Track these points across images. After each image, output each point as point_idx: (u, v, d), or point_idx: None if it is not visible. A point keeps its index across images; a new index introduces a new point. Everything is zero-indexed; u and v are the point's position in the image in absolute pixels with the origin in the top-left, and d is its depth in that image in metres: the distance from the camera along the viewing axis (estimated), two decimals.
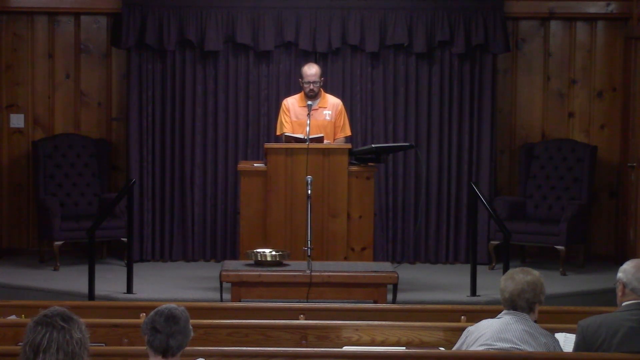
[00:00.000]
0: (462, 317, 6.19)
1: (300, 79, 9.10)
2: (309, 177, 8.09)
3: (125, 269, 8.97)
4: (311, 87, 8.93)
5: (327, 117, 9.02)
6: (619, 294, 5.27)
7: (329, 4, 10.28)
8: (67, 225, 9.87)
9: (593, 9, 10.43)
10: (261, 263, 7.74)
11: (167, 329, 4.21)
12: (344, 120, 9.11)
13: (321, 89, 9.07)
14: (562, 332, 5.57)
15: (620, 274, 5.27)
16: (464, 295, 8.90)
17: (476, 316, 5.88)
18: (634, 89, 10.03)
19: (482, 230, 10.16)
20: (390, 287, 7.77)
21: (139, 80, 10.27)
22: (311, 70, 8.97)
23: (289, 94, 9.67)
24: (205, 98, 10.34)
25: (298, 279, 7.54)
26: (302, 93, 9.05)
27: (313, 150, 8.57)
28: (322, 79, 9.11)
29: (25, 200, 10.50)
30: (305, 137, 8.62)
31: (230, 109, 10.36)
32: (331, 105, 9.07)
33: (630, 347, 5.12)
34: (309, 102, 8.85)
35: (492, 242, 10.04)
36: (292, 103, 9.07)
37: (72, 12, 10.45)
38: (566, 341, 5.44)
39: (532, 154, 10.41)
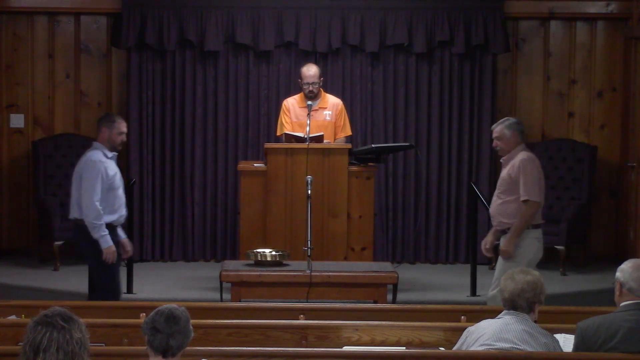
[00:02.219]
0: (462, 317, 6.19)
1: (299, 80, 9.11)
2: (309, 177, 8.09)
3: (125, 269, 8.97)
4: (310, 88, 8.93)
5: (327, 118, 9.02)
6: (617, 293, 5.27)
7: (329, 4, 10.28)
8: (67, 225, 9.83)
9: (593, 9, 10.43)
10: (261, 263, 7.74)
11: (167, 329, 4.21)
12: (345, 120, 9.11)
13: (321, 89, 9.07)
14: (561, 331, 5.57)
15: (618, 274, 5.26)
16: (464, 295, 8.91)
17: (476, 316, 5.89)
18: (634, 89, 10.03)
19: (482, 230, 10.13)
20: (390, 287, 7.77)
21: (139, 80, 10.28)
22: (310, 71, 8.97)
23: (289, 94, 9.67)
24: (205, 98, 10.35)
25: (298, 279, 7.54)
26: (302, 93, 9.05)
27: (313, 150, 8.57)
28: (322, 79, 9.11)
29: (25, 200, 10.49)
30: (305, 136, 8.63)
31: (230, 109, 10.36)
32: (331, 105, 9.07)
33: (630, 347, 5.12)
34: (309, 103, 8.85)
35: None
36: (292, 104, 9.08)
37: (72, 12, 10.45)
38: (565, 342, 5.44)
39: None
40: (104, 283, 7.63)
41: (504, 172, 7.68)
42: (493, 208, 7.74)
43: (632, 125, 10.08)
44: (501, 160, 7.77)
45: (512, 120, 7.78)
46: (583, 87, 10.59)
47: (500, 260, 7.65)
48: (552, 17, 10.51)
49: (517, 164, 7.56)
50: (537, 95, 10.63)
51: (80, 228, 7.59)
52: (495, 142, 7.72)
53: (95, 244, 7.51)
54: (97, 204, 7.47)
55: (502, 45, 10.26)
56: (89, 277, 7.81)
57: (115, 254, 7.54)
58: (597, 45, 10.56)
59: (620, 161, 10.44)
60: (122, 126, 7.69)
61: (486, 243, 7.79)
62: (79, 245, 7.78)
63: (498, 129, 7.68)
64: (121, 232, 7.84)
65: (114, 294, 7.62)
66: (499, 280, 7.47)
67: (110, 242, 7.49)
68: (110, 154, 7.64)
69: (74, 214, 7.66)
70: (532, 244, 7.55)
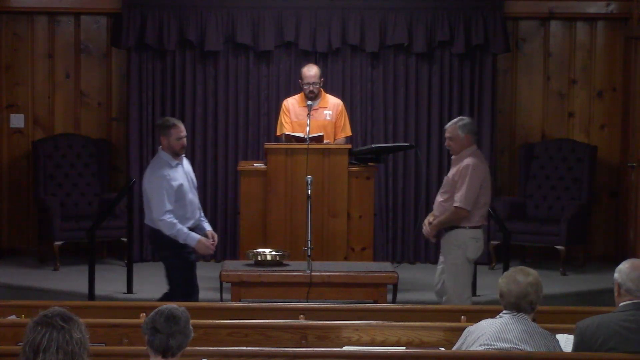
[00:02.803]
0: (462, 317, 6.18)
1: (300, 80, 9.11)
2: (309, 177, 8.09)
3: (125, 269, 8.98)
4: (311, 88, 8.93)
5: (328, 117, 9.02)
6: (615, 294, 5.27)
7: (329, 4, 10.28)
8: (67, 225, 9.87)
9: (593, 9, 10.43)
10: (261, 263, 7.74)
11: (167, 329, 4.21)
12: (345, 120, 9.11)
13: (321, 89, 9.07)
14: (561, 331, 5.57)
15: (616, 275, 5.26)
16: None
17: (476, 316, 5.88)
18: (634, 89, 10.03)
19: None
20: (390, 287, 7.77)
21: (139, 80, 10.27)
22: (310, 71, 8.98)
23: (289, 94, 9.67)
24: (205, 98, 10.34)
25: (298, 279, 7.53)
26: (302, 93, 9.05)
27: (313, 150, 8.57)
28: (322, 79, 9.11)
29: (25, 200, 10.49)
30: (305, 136, 8.63)
31: (230, 109, 10.36)
32: (332, 105, 9.07)
33: (629, 347, 5.12)
34: (309, 102, 8.85)
35: (492, 242, 10.03)
36: (292, 104, 9.08)
37: (72, 12, 10.45)
38: (567, 342, 5.44)
39: (532, 154, 10.41)
40: (180, 284, 7.69)
41: (450, 173, 7.79)
42: (435, 204, 7.91)
43: (632, 125, 10.08)
44: (452, 159, 7.84)
45: (466, 120, 7.84)
46: (583, 87, 10.59)
47: (442, 261, 7.85)
48: (552, 17, 10.51)
49: (461, 168, 7.69)
50: (537, 95, 10.62)
51: (152, 233, 7.76)
52: (447, 142, 7.82)
53: (168, 246, 7.62)
54: (165, 217, 7.55)
55: (502, 45, 10.26)
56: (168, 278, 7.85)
57: (207, 244, 7.60)
58: (597, 45, 10.56)
59: (620, 161, 10.43)
60: (178, 131, 7.68)
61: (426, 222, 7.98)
62: (155, 250, 7.87)
63: (451, 128, 7.77)
64: (206, 225, 7.92)
65: (192, 295, 7.69)
66: (438, 277, 7.78)
67: (197, 237, 7.57)
68: (174, 162, 7.67)
69: (146, 220, 7.86)
70: (469, 244, 7.70)
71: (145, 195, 7.75)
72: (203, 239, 7.61)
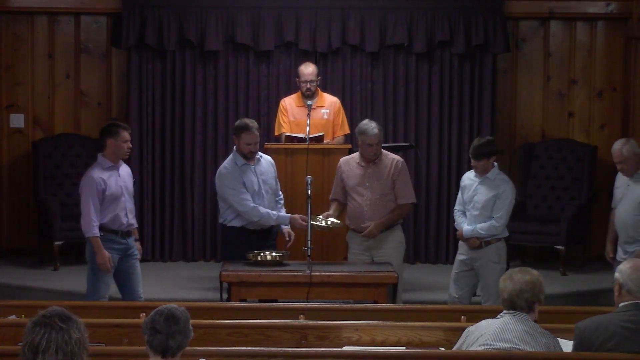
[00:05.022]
0: (462, 317, 6.19)
1: (297, 79, 9.11)
2: (309, 177, 8.08)
3: None
4: (308, 86, 8.94)
5: (325, 116, 9.02)
6: (616, 294, 5.27)
7: (329, 4, 10.28)
8: (67, 225, 9.86)
9: (593, 9, 10.43)
10: (261, 263, 7.74)
11: (166, 329, 4.20)
12: (342, 118, 9.12)
13: (318, 88, 9.08)
14: (561, 331, 5.57)
15: (617, 275, 5.27)
16: None
17: (476, 316, 5.88)
18: (634, 89, 10.03)
19: None
20: (390, 287, 7.76)
21: (139, 80, 10.27)
22: (308, 69, 8.99)
23: (289, 94, 9.66)
24: (205, 98, 10.34)
25: (298, 279, 7.52)
26: (298, 93, 9.06)
27: (313, 150, 8.56)
28: (319, 78, 9.12)
29: (25, 200, 10.49)
30: (305, 136, 8.62)
31: (230, 109, 10.36)
32: (329, 103, 9.08)
33: (628, 347, 5.12)
34: (309, 102, 8.85)
35: None
36: (290, 103, 9.08)
37: (72, 12, 10.45)
38: (564, 346, 5.43)
39: (532, 154, 10.41)
40: None
41: (381, 175, 7.92)
42: (373, 209, 7.93)
43: (632, 125, 10.08)
44: (363, 164, 7.96)
45: (375, 122, 8.00)
46: (583, 87, 10.59)
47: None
48: (552, 17, 10.51)
49: (399, 165, 7.95)
50: (537, 95, 10.63)
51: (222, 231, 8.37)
52: (375, 149, 7.92)
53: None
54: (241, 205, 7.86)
55: (502, 45, 10.26)
56: None
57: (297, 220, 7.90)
58: (597, 45, 10.56)
59: None
60: (249, 137, 7.82)
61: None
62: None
63: (378, 135, 7.89)
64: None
65: None
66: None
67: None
68: (241, 162, 7.87)
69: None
70: (403, 238, 8.10)
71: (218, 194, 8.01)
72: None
